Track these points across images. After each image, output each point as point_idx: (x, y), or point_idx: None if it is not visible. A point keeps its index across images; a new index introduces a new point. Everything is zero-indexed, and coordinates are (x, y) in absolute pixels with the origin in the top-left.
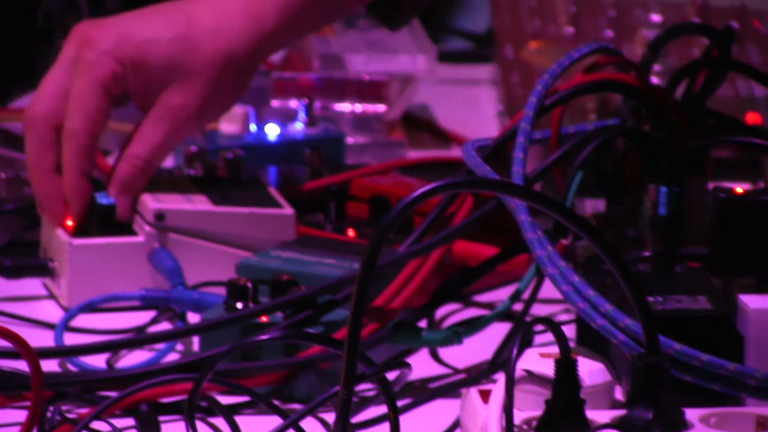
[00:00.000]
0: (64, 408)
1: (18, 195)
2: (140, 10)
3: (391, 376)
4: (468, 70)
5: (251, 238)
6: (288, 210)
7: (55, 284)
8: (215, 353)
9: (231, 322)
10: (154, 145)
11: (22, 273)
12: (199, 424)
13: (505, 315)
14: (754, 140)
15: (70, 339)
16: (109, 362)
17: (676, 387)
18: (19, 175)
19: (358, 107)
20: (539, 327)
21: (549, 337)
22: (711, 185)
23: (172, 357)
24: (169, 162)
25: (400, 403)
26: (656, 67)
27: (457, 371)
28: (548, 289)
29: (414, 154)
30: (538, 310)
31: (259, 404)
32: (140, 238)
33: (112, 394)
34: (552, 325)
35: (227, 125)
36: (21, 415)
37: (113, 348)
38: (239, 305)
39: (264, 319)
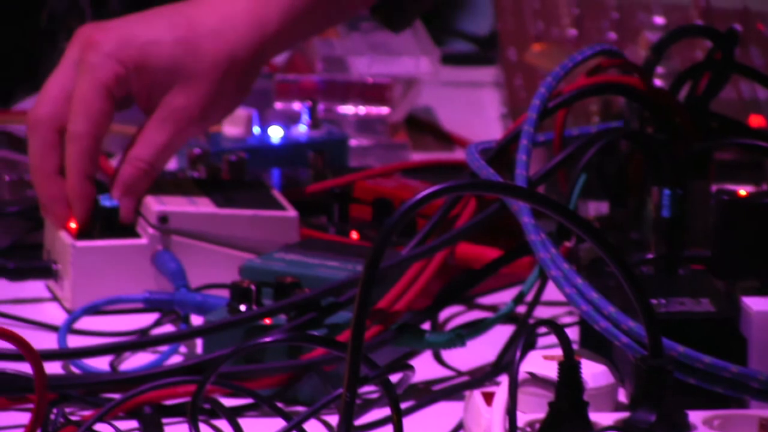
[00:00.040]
0: (67, 410)
1: (21, 197)
2: (143, 12)
3: (394, 378)
4: (471, 73)
5: (254, 240)
6: (291, 212)
7: (59, 286)
8: (218, 355)
9: (234, 325)
10: (158, 147)
11: (26, 275)
12: (202, 427)
13: (509, 317)
14: (757, 143)
15: (74, 341)
16: (112, 364)
17: (680, 389)
18: (22, 178)
19: (362, 109)
20: (542, 329)
21: (552, 339)
22: (714, 188)
23: (176, 359)
24: (172, 164)
25: (403, 406)
26: (659, 70)
27: (460, 373)
28: (551, 292)
29: (417, 157)
30: (542, 312)
31: (263, 406)
32: (143, 241)
33: (116, 396)
34: (555, 327)
35: (230, 128)
36: (24, 418)
37: (116, 350)
38: (242, 307)
39: (267, 321)
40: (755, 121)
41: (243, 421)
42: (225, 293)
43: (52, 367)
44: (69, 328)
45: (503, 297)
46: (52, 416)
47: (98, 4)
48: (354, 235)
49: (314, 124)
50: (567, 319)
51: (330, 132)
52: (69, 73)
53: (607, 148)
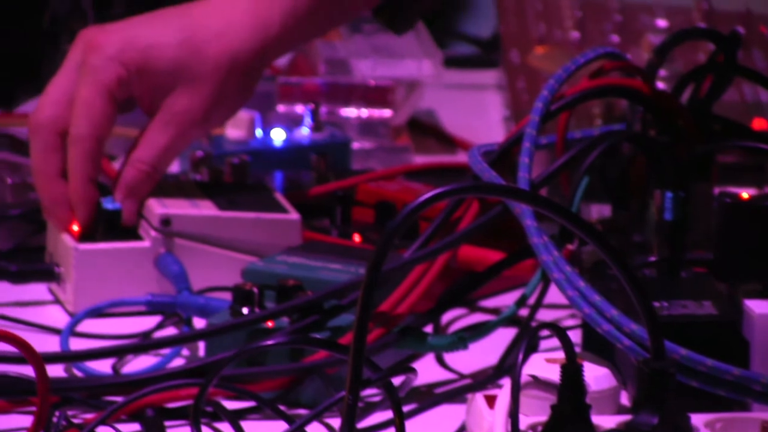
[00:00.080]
0: (69, 413)
1: (24, 200)
2: (145, 15)
3: (396, 381)
4: (474, 75)
5: (257, 243)
6: (294, 215)
7: (61, 289)
8: (221, 358)
9: (237, 327)
10: (160, 149)
11: (28, 278)
12: (204, 429)
13: (511, 320)
14: (760, 145)
15: (76, 344)
16: (114, 367)
17: (682, 392)
18: (25, 180)
19: (364, 112)
20: (545, 332)
21: (555, 342)
22: (716, 190)
23: (178, 362)
24: (175, 167)
25: (405, 408)
26: (662, 72)
27: (462, 376)
28: (554, 294)
29: (420, 160)
30: (544, 315)
31: (265, 409)
32: (146, 243)
33: (118, 399)
34: (558, 330)
35: (233, 130)
36: (27, 421)
37: (119, 353)
38: (245, 310)
39: (270, 324)
40: (758, 123)
41: (245, 424)
42: (227, 296)
43: (55, 370)
44: (71, 331)
45: (506, 300)
46: (55, 419)
47: (101, 7)
48: (356, 237)
49: (317, 126)
50: (569, 322)
51: (332, 135)
52: (71, 75)
53: (610, 150)
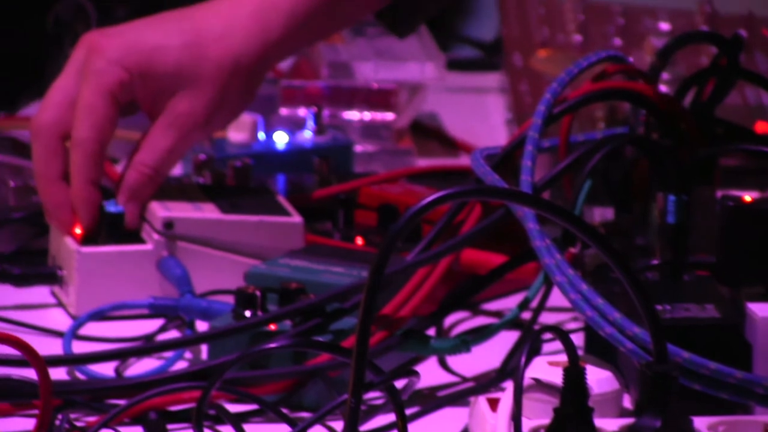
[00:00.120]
0: (72, 416)
1: (26, 203)
2: (148, 18)
3: (399, 384)
4: (476, 78)
5: (259, 246)
6: (296, 218)
7: (64, 292)
8: (224, 361)
9: (239, 331)
10: (162, 152)
11: (31, 281)
12: None
13: (514, 323)
14: (763, 148)
15: (79, 347)
16: (117, 370)
17: (685, 395)
18: (27, 183)
19: (367, 115)
20: (548, 335)
21: (557, 345)
22: (719, 194)
23: (181, 365)
24: (177, 170)
25: (408, 412)
26: (665, 76)
27: (465, 379)
28: (557, 298)
29: (422, 163)
30: (547, 318)
31: (268, 412)
32: (149, 246)
33: (121, 402)
34: (560, 333)
35: (236, 133)
36: (29, 424)
37: (122, 356)
38: (247, 313)
39: (272, 327)
40: (760, 127)
41: (248, 427)
42: (230, 299)
43: (57, 373)
44: (74, 334)
45: (508, 303)
46: (57, 422)
47: (104, 10)
48: (359, 240)
49: (319, 129)
50: (572, 325)
51: (335, 138)
52: (73, 79)
53: (613, 154)
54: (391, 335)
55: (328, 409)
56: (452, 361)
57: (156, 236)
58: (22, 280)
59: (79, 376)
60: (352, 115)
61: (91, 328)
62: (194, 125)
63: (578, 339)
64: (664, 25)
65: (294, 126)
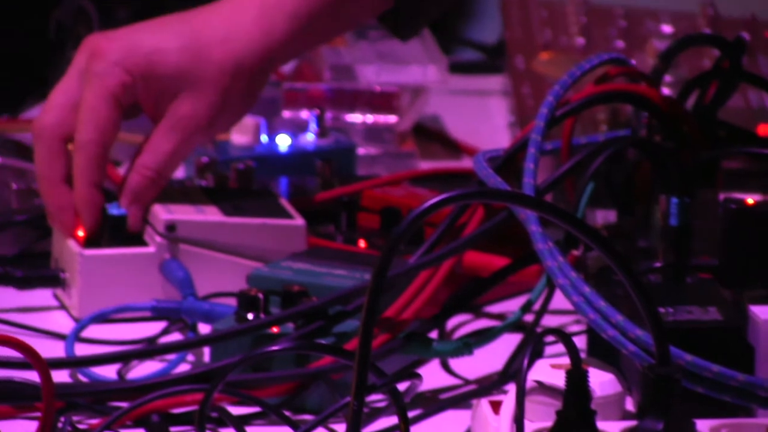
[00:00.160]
0: (75, 419)
1: (29, 206)
2: (150, 20)
3: (401, 386)
4: (479, 81)
5: (262, 248)
6: (299, 221)
7: (66, 295)
8: (226, 364)
9: (242, 333)
10: (165, 155)
11: (34, 284)
12: None
13: (516, 326)
14: (765, 151)
15: (81, 350)
16: (120, 373)
17: (687, 398)
18: (30, 186)
19: (369, 118)
20: (550, 338)
21: (560, 347)
22: (722, 196)
23: (183, 368)
24: (180, 173)
25: (410, 414)
26: (667, 78)
27: (467, 382)
28: (559, 300)
29: (425, 165)
30: (549, 320)
31: (270, 415)
32: (151, 249)
33: (123, 404)
34: (563, 335)
35: (238, 136)
36: (32, 426)
37: (124, 359)
38: (250, 316)
39: (275, 329)
40: (763, 129)
41: (250, 430)
42: (232, 302)
43: (60, 376)
44: (76, 337)
45: (511, 305)
46: (60, 425)
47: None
48: (362, 243)
49: (322, 132)
50: (574, 328)
51: (338, 140)
52: (75, 81)
53: (615, 156)
54: (393, 338)
55: (330, 411)
56: (455, 363)
57: (158, 239)
58: (24, 283)
59: (82, 378)
60: (355, 117)
61: (94, 331)
62: (197, 128)
63: (581, 342)
64: (667, 28)
65: (297, 129)
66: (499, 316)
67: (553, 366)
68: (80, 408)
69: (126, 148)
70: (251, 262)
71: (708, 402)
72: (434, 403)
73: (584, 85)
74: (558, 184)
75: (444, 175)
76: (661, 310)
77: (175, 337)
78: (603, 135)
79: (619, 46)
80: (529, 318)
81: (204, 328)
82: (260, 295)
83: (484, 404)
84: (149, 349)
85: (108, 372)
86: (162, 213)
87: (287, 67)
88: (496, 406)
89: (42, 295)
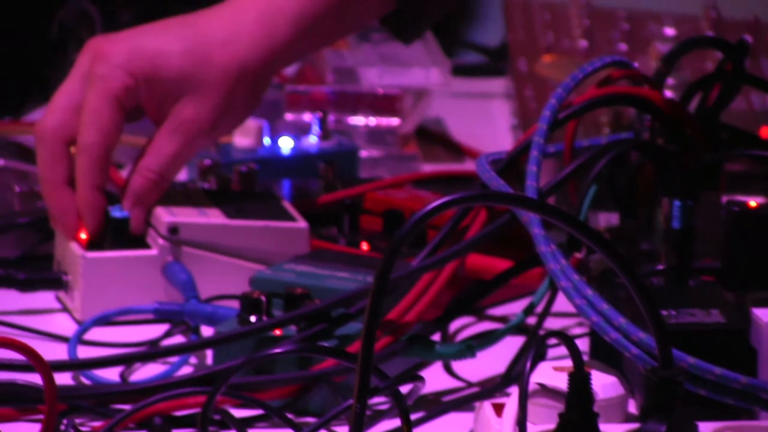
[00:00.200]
0: (77, 421)
1: (32, 208)
2: (153, 23)
3: (404, 389)
4: (482, 84)
5: (265, 251)
6: (302, 223)
7: (69, 297)
8: (229, 366)
9: (244, 336)
10: (168, 157)
11: (36, 286)
12: None
13: (519, 328)
14: None
15: (84, 352)
16: (122, 375)
17: (690, 401)
18: (32, 189)
19: (372, 121)
20: (553, 340)
21: (562, 350)
22: (724, 199)
23: (186, 370)
24: (182, 175)
25: (413, 417)
26: (670, 81)
27: (470, 384)
28: (562, 303)
29: (428, 168)
30: (552, 323)
31: (273, 417)
32: (154, 252)
33: (126, 407)
34: (565, 338)
35: (241, 138)
36: (35, 429)
37: (127, 361)
38: (253, 318)
39: (277, 332)
40: (766, 132)
41: None
42: (235, 304)
43: (63, 378)
44: (79, 339)
45: (513, 308)
46: (62, 427)
47: (108, 15)
48: (364, 246)
49: (325, 135)
50: (577, 330)
51: (340, 143)
52: (77, 84)
53: (618, 159)
54: (396, 340)
55: (333, 414)
56: (457, 366)
57: (161, 241)
58: (27, 286)
59: (84, 381)
60: (358, 120)
61: (96, 333)
62: (199, 130)
63: (583, 344)
64: (670, 31)
65: (299, 131)
66: (502, 319)
67: (556, 369)
68: (83, 410)
69: (129, 151)
70: (254, 264)
71: (711, 405)
72: (437, 405)
73: (587, 88)
74: (560, 187)
75: (447, 178)
76: (664, 312)
77: (178, 339)
78: (605, 138)
79: (622, 48)
80: (531, 321)
81: (207, 331)
82: (263, 298)
83: (486, 407)
84: (152, 351)
85: (110, 374)
86: (165, 215)
87: (290, 70)
88: (498, 409)
89: (44, 298)
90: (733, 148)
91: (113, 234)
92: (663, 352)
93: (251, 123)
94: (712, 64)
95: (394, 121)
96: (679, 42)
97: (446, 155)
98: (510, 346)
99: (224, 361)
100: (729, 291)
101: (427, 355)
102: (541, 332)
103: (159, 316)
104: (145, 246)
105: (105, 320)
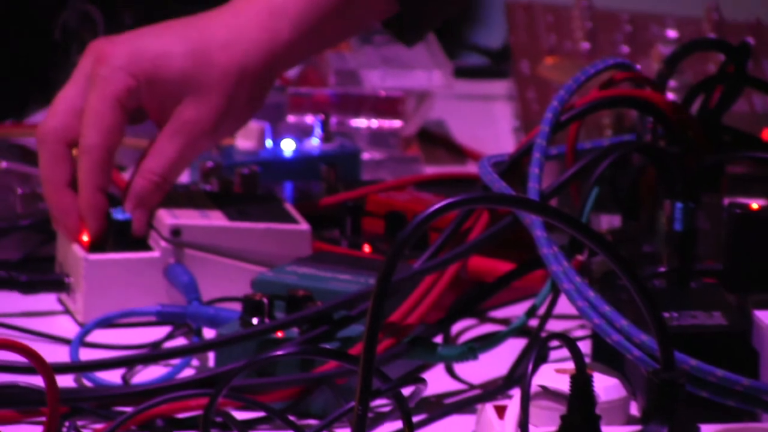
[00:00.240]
0: (79, 423)
1: (34, 210)
2: (155, 25)
3: (406, 391)
4: (484, 86)
5: (267, 253)
6: (304, 225)
7: (71, 299)
8: (231, 369)
9: (246, 338)
10: (170, 159)
11: (38, 288)
12: None
13: (521, 330)
14: None
15: (86, 354)
16: (124, 377)
17: (692, 403)
18: (34, 191)
19: (374, 123)
20: (555, 342)
21: (564, 352)
22: (726, 201)
23: (188, 372)
24: (185, 177)
25: (415, 419)
26: (672, 83)
27: (472, 387)
28: (564, 305)
29: (430, 170)
30: (554, 325)
31: (275, 420)
32: (156, 254)
33: (128, 409)
34: (567, 340)
35: (243, 141)
36: (37, 431)
37: (129, 363)
38: (255, 321)
39: (279, 334)
40: None
41: None
42: (237, 306)
43: (65, 380)
44: (81, 341)
45: (515, 310)
46: (64, 429)
47: (111, 17)
48: (366, 248)
49: (327, 137)
50: (579, 333)
51: (342, 145)
52: (79, 86)
53: (620, 161)
54: (398, 343)
55: (335, 416)
56: (459, 368)
57: (163, 243)
58: (29, 288)
59: (86, 383)
60: (360, 122)
61: (98, 336)
62: (201, 132)
63: (585, 346)
64: (672, 33)
65: (301, 133)
66: (504, 321)
67: (558, 371)
68: (85, 413)
69: (131, 153)
70: (256, 266)
71: (712, 407)
72: (439, 407)
73: (589, 90)
74: (563, 189)
75: (449, 180)
76: (666, 314)
77: (180, 341)
78: (608, 140)
79: (624, 51)
80: (533, 323)
81: (209, 333)
82: (265, 300)
83: (488, 409)
84: (154, 353)
85: (112, 377)
86: (167, 217)
87: (292, 72)
88: (500, 411)
89: (46, 300)
90: (735, 150)
91: (115, 236)
92: (665, 354)
93: (253, 125)
94: (715, 67)
95: (397, 123)
96: (681, 44)
97: (448, 157)
98: (512, 348)
99: (226, 364)
100: (731, 293)
101: (429, 357)
102: (543, 334)
103: (161, 318)
104: (147, 248)
105: (107, 322)
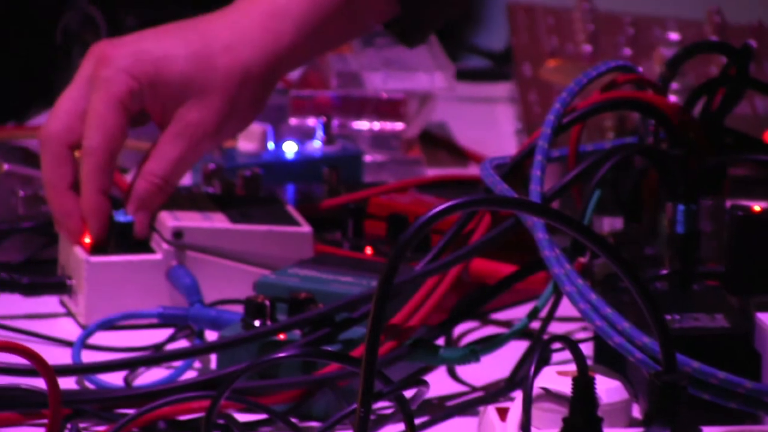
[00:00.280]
0: (81, 426)
1: (36, 213)
2: (157, 27)
3: (408, 393)
4: (486, 88)
5: (269, 255)
6: (306, 228)
7: (73, 302)
8: (233, 371)
9: (248, 340)
10: (172, 162)
11: (40, 290)
12: None
13: (523, 333)
14: None
15: (88, 356)
16: (126, 380)
17: (694, 405)
18: (37, 193)
19: (376, 125)
20: (557, 345)
21: (566, 354)
22: (728, 203)
23: (190, 375)
24: (187, 179)
25: (417, 421)
26: (674, 85)
27: (474, 389)
28: (566, 307)
29: (432, 172)
30: (556, 327)
31: (277, 422)
32: (158, 256)
33: (130, 411)
34: (569, 342)
35: (245, 143)
36: None
37: (131, 365)
38: (257, 323)
39: (281, 336)
40: None
41: None
42: (239, 309)
43: (66, 383)
44: (83, 344)
45: (517, 313)
46: (66, 431)
47: (113, 20)
48: (368, 250)
49: (329, 139)
50: (581, 335)
51: (344, 147)
52: (82, 88)
53: (622, 163)
54: (400, 345)
55: (337, 418)
56: (461, 370)
57: (165, 246)
58: (31, 290)
59: (88, 385)
60: (362, 124)
61: (101, 338)
62: (203, 135)
63: (587, 349)
64: (674, 35)
65: (303, 136)
66: (506, 323)
67: (560, 373)
68: (87, 415)
69: (133, 155)
70: (258, 269)
71: (715, 409)
72: (441, 410)
73: (591, 93)
74: (565, 192)
75: (451, 182)
76: (668, 317)
77: (182, 344)
78: (610, 142)
79: (626, 53)
80: (535, 325)
81: (211, 335)
82: (267, 302)
83: (490, 411)
84: (156, 356)
85: (114, 379)
86: (169, 220)
87: (294, 75)
88: (502, 413)
89: (48, 302)
90: (737, 152)
91: (117, 238)
92: (667, 356)
93: (255, 127)
94: (717, 69)
95: (399, 125)
96: (683, 46)
97: (450, 160)
98: (514, 350)
99: (228, 366)
100: (733, 295)
101: (431, 359)
102: (545, 336)
103: (163, 320)
104: (150, 250)
105: (109, 324)
